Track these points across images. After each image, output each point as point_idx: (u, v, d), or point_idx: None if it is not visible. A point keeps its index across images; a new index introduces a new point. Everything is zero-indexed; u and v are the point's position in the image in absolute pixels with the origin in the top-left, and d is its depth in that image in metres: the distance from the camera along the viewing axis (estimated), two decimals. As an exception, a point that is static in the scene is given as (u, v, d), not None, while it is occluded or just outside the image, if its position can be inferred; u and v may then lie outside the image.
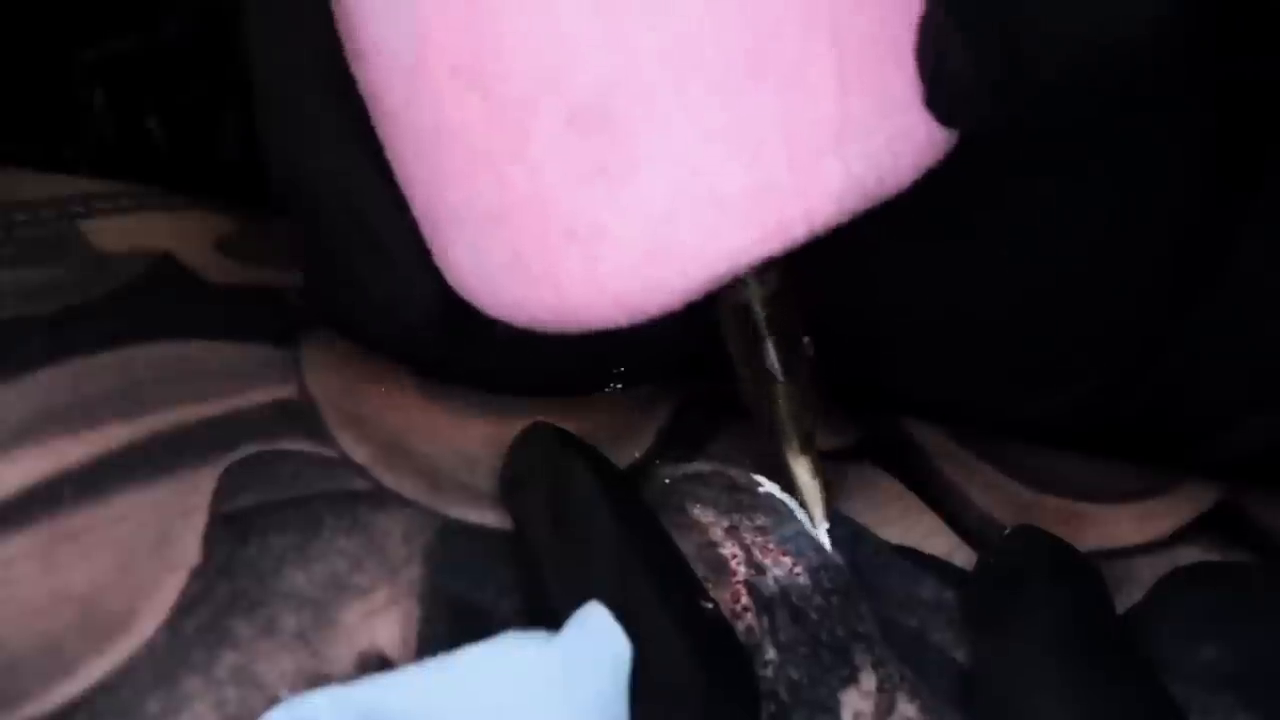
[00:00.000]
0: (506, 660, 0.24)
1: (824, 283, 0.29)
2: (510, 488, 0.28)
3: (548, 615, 0.25)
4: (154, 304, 0.31)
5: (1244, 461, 0.34)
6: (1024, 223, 0.32)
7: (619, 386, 0.32)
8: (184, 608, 0.26)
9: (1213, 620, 0.29)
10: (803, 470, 0.29)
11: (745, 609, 0.27)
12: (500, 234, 0.26)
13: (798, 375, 0.28)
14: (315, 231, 0.31)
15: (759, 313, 0.28)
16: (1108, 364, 0.35)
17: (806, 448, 0.28)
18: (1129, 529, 0.30)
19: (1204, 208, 0.33)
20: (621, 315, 0.26)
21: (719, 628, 0.26)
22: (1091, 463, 0.32)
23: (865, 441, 0.31)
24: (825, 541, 0.28)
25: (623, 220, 0.25)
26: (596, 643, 0.24)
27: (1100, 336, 0.34)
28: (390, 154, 0.27)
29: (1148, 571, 0.29)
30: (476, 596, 0.27)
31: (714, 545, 0.28)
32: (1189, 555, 0.30)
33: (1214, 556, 0.30)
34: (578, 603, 0.25)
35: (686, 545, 0.28)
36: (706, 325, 0.28)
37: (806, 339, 0.28)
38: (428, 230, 0.27)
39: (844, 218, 0.26)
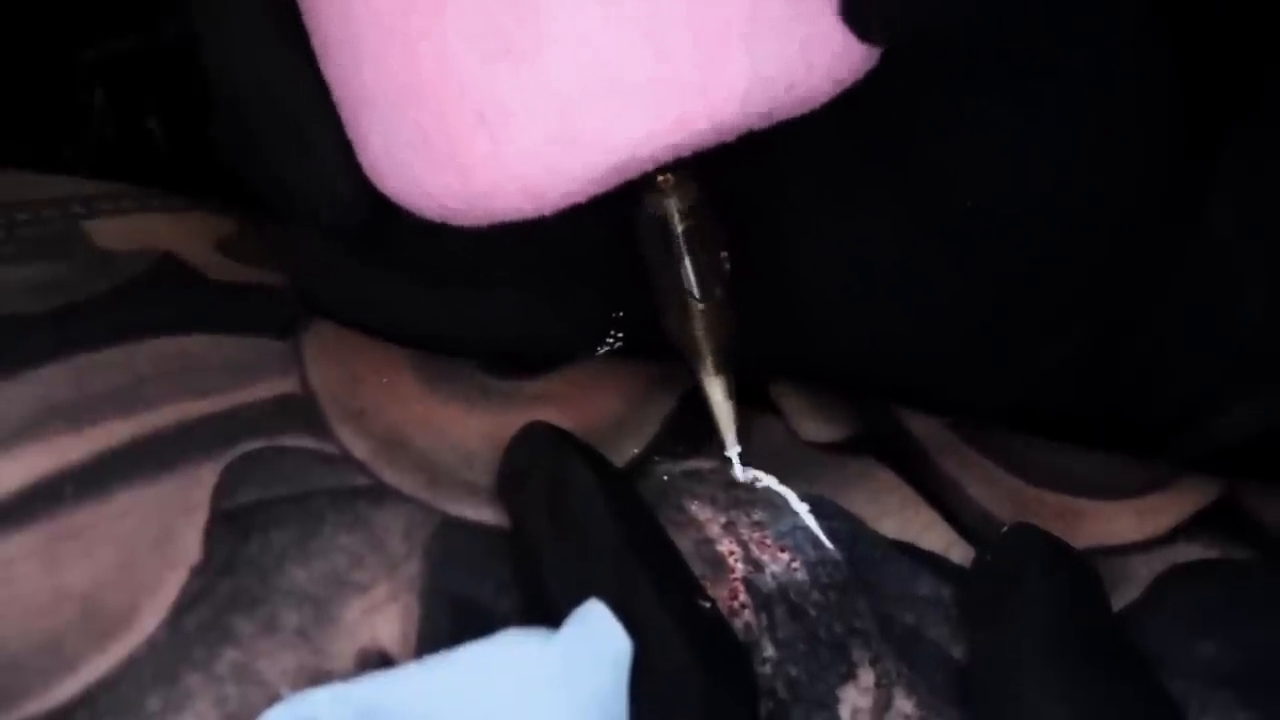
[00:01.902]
0: (507, 657, 0.24)
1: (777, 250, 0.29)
2: (508, 485, 0.28)
3: (547, 613, 0.25)
4: (156, 298, 0.31)
5: (1236, 452, 0.34)
6: (982, 158, 0.31)
7: (617, 344, 0.32)
8: (185, 605, 0.26)
9: (1211, 617, 0.29)
10: (716, 391, 0.29)
11: (743, 606, 0.27)
12: (410, 114, 0.26)
13: (714, 294, 0.28)
14: (245, 127, 0.30)
15: (677, 226, 0.28)
16: (1076, 330, 0.34)
17: (721, 368, 0.28)
18: (1128, 525, 0.30)
19: (1168, 160, 0.33)
20: (526, 203, 0.26)
21: (717, 625, 0.26)
22: (1091, 458, 0.32)
23: (864, 434, 0.31)
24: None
25: (526, 102, 0.25)
26: (597, 640, 0.24)
27: (1068, 296, 0.34)
28: (314, 41, 0.27)
29: (1144, 569, 0.29)
30: (476, 593, 0.27)
31: (711, 542, 0.28)
32: (1188, 552, 0.30)
33: (1213, 553, 0.30)
34: (576, 600, 0.25)
35: (684, 542, 0.28)
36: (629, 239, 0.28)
37: (724, 254, 0.28)
38: (347, 118, 0.27)
39: (753, 121, 0.26)
